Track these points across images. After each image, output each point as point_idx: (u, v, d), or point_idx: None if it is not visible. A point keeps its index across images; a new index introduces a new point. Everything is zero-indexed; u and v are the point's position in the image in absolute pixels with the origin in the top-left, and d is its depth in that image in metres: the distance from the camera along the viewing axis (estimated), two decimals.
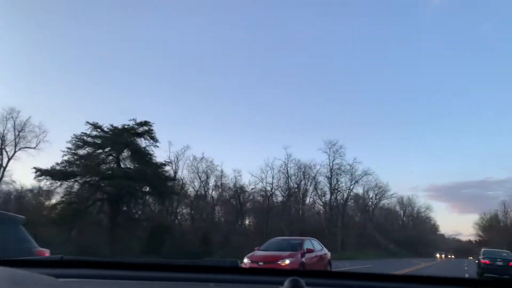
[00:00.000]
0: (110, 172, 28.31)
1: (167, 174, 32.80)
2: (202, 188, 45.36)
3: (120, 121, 30.31)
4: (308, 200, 58.16)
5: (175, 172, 41.28)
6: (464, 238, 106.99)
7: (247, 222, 49.95)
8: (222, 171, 46.61)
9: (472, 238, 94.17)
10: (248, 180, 51.69)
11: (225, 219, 44.94)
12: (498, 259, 19.18)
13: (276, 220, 45.29)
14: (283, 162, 51.96)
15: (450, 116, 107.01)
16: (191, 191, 44.07)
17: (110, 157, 29.50)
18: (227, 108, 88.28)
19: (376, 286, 1.37)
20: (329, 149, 58.43)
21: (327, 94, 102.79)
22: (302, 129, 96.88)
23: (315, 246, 13.41)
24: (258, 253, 12.30)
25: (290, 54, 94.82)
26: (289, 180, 53.07)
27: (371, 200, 73.98)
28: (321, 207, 59.52)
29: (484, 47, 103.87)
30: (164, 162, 32.28)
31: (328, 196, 59.01)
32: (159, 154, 37.57)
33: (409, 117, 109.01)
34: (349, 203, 65.12)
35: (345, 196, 61.56)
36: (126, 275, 1.39)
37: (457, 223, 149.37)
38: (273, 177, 50.60)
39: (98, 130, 29.13)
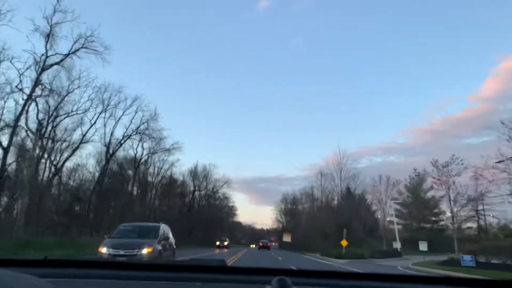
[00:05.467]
0: None
1: None
2: None
3: None
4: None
5: None
6: (258, 226, 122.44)
7: None
8: None
9: (265, 227, 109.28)
10: None
11: None
12: (265, 243, 43.99)
13: None
14: None
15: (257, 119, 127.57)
16: None
17: None
18: None
19: (363, 286, 1.39)
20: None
21: None
22: None
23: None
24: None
25: None
26: None
27: (147, 156, 47.25)
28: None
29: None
30: None
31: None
32: None
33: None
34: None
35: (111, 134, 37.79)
36: (111, 274, 1.35)
37: (254, 214, 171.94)
38: None
39: None
